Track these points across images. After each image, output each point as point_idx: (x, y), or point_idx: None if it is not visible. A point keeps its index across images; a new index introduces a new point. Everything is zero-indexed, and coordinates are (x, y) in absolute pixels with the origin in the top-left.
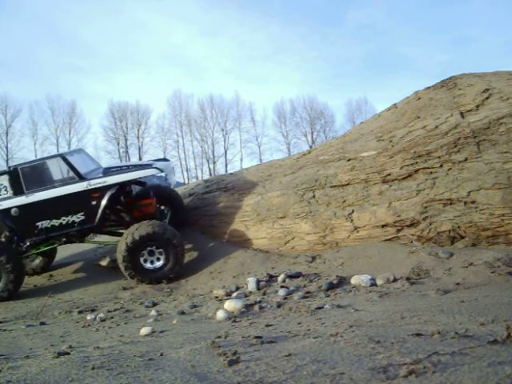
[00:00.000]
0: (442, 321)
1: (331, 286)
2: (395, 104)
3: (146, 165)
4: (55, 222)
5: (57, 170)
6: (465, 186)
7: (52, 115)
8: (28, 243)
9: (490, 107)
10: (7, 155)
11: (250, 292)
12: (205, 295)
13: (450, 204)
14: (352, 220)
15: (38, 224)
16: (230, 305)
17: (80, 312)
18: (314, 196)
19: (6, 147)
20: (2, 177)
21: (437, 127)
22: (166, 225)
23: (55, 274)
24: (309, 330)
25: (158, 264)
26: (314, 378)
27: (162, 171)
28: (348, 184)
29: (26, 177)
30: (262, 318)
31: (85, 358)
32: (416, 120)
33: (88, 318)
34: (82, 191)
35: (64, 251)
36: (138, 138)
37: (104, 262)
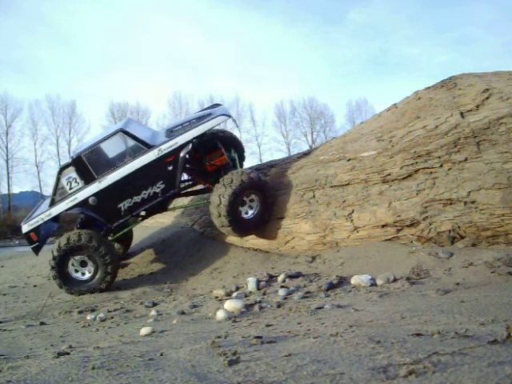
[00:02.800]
0: (442, 321)
1: (331, 286)
2: (395, 104)
3: (208, 114)
4: (137, 199)
5: (121, 145)
6: (465, 186)
7: (52, 115)
8: (114, 227)
9: (490, 107)
10: (7, 155)
11: (250, 292)
12: (205, 295)
13: (450, 204)
14: (352, 220)
15: (120, 206)
16: (230, 305)
17: (80, 312)
18: (314, 196)
19: (6, 147)
20: (68, 169)
21: (437, 127)
22: (256, 172)
23: None
24: (309, 330)
25: (251, 213)
26: (313, 378)
27: (229, 116)
28: (348, 184)
29: (92, 162)
30: (262, 317)
31: (85, 357)
32: (416, 120)
33: (88, 317)
34: (155, 159)
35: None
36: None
37: None
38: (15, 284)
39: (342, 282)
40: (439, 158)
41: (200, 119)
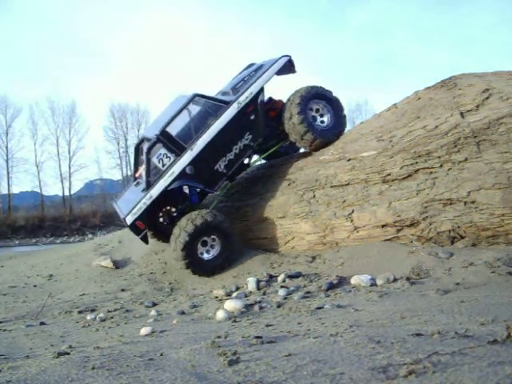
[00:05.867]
0: (442, 321)
1: (331, 286)
2: (395, 104)
3: (261, 66)
4: (230, 156)
5: (201, 108)
6: (465, 186)
7: (52, 115)
8: (215, 191)
9: (490, 107)
10: (7, 155)
11: (250, 292)
12: (205, 295)
13: (450, 204)
14: (352, 220)
15: (216, 167)
16: (230, 305)
17: (80, 312)
18: (314, 196)
19: (6, 147)
20: (156, 147)
21: (437, 127)
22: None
23: (55, 274)
24: (309, 330)
25: (326, 121)
26: (313, 378)
27: (289, 56)
28: (348, 184)
29: (177, 133)
30: (262, 318)
31: (85, 357)
32: (416, 120)
33: (88, 317)
34: (237, 113)
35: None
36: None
37: (104, 262)
38: (15, 284)
39: (342, 282)
40: (439, 157)
41: (258, 70)
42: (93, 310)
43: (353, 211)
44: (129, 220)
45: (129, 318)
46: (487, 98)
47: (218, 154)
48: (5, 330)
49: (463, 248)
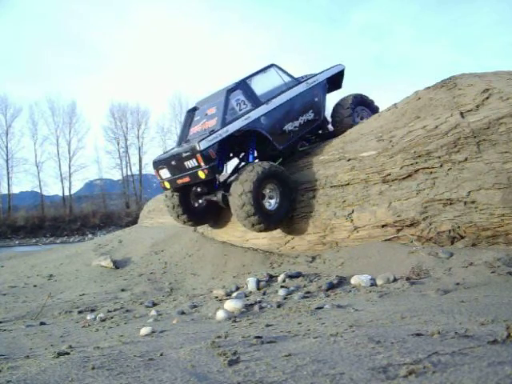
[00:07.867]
0: (442, 321)
1: (331, 286)
2: (395, 104)
3: (313, 74)
4: (296, 123)
5: (276, 77)
6: (465, 186)
7: (52, 115)
8: (281, 149)
9: (490, 107)
10: (7, 155)
11: (250, 292)
12: (205, 295)
13: (450, 204)
14: (352, 220)
15: (285, 128)
16: (230, 305)
17: (80, 312)
18: (314, 196)
19: (6, 147)
20: (235, 92)
21: (437, 127)
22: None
23: (55, 274)
24: (309, 330)
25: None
26: (314, 378)
27: (344, 66)
28: (348, 184)
29: (255, 88)
30: (262, 318)
31: (85, 358)
32: (416, 120)
33: (88, 317)
34: (305, 90)
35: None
36: (138, 137)
37: (104, 262)
38: (15, 284)
39: (342, 281)
40: (439, 158)
41: (313, 75)
42: (93, 310)
43: (353, 211)
44: (203, 145)
45: (129, 318)
46: (487, 97)
47: (288, 117)
48: (5, 330)
49: (463, 248)
